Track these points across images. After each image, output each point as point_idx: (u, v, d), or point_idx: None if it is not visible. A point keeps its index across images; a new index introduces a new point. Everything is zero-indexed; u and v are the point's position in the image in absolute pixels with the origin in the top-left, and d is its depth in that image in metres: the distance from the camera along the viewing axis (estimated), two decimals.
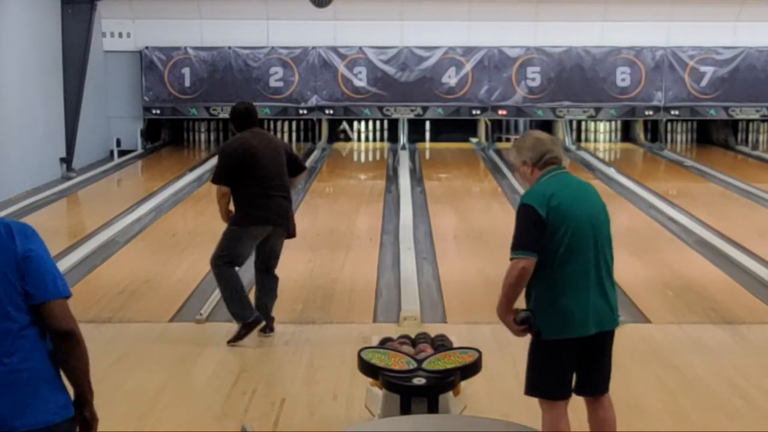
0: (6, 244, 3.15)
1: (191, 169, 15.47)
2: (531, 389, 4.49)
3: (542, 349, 4.40)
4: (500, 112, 18.47)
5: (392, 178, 14.89)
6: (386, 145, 18.83)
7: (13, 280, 3.12)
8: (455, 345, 5.25)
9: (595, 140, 19.60)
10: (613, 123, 19.52)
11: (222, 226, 7.08)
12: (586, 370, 4.46)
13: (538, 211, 4.28)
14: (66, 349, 3.17)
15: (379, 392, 4.83)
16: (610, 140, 19.64)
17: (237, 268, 6.92)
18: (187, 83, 18.07)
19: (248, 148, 6.94)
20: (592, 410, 4.56)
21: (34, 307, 3.14)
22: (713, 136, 19.20)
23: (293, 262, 8.45)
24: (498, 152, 17.73)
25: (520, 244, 4.32)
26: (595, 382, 4.50)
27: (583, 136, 19.63)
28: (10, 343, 3.10)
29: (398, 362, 4.76)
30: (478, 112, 18.43)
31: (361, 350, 4.92)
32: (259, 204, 6.88)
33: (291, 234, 7.07)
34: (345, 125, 19.28)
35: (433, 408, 4.59)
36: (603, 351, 4.48)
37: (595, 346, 4.43)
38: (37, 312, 3.15)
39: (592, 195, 4.50)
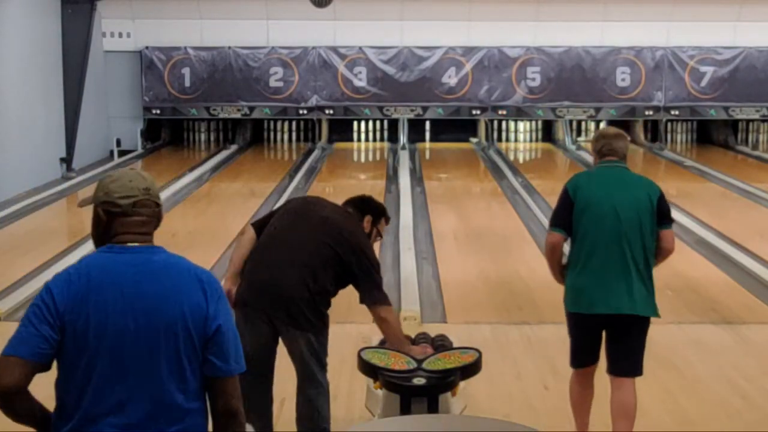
0: (197, 300, 2.83)
1: (191, 169, 15.47)
2: (570, 359, 4.99)
3: (568, 319, 4.91)
4: (500, 112, 18.48)
5: (392, 178, 14.89)
6: (386, 145, 18.82)
7: (197, 343, 2.81)
8: (455, 345, 5.25)
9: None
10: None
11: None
12: (609, 349, 4.83)
13: (569, 194, 4.80)
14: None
15: (379, 392, 4.83)
16: None
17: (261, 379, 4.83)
18: (187, 83, 18.07)
19: (288, 203, 5.16)
20: (612, 390, 4.85)
21: (206, 379, 2.85)
22: (713, 136, 19.19)
23: None
24: (498, 152, 17.74)
25: (551, 221, 4.96)
26: (614, 362, 4.81)
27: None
28: (180, 420, 2.81)
29: (398, 362, 4.76)
30: (478, 112, 18.42)
31: (361, 350, 4.92)
32: (245, 273, 4.77)
33: (303, 328, 4.66)
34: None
35: (433, 408, 4.58)
36: (621, 334, 4.76)
37: (615, 328, 4.75)
38: (206, 385, 2.85)
39: (632, 189, 4.80)
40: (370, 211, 4.94)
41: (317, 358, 4.74)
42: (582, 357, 4.91)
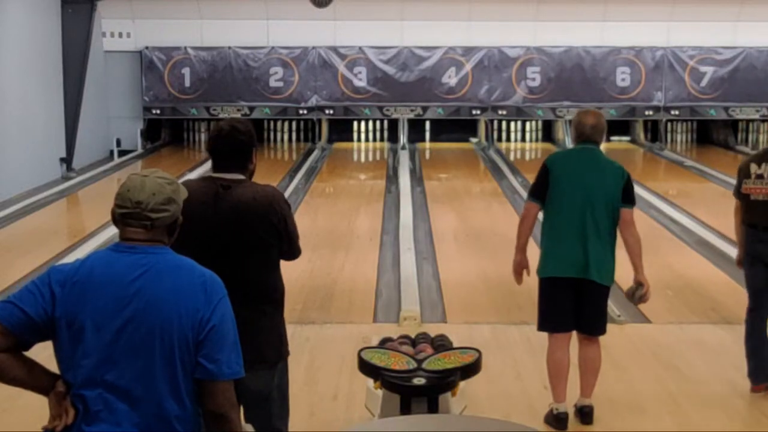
0: (196, 303, 2.79)
1: (191, 169, 15.45)
2: (538, 323, 5.46)
3: (539, 285, 5.39)
4: (500, 112, 18.48)
5: (392, 178, 14.89)
6: (386, 145, 18.81)
7: (192, 346, 2.77)
8: (455, 345, 5.25)
9: None
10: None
11: None
12: (577, 311, 5.31)
13: (547, 169, 5.33)
14: None
15: (379, 392, 4.83)
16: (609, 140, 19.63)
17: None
18: (187, 83, 18.06)
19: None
20: (580, 347, 5.41)
21: (198, 382, 2.80)
22: (713, 136, 19.18)
23: (293, 262, 8.43)
24: (498, 152, 17.74)
25: (529, 192, 5.52)
26: (580, 322, 5.33)
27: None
28: (168, 424, 2.77)
29: (398, 362, 4.76)
30: (478, 112, 18.42)
31: (361, 350, 4.92)
32: None
33: (267, 359, 4.42)
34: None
35: (433, 408, 4.58)
36: (585, 296, 5.27)
37: (580, 291, 5.26)
38: (198, 388, 2.81)
39: (602, 168, 5.35)
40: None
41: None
42: (553, 319, 5.34)
